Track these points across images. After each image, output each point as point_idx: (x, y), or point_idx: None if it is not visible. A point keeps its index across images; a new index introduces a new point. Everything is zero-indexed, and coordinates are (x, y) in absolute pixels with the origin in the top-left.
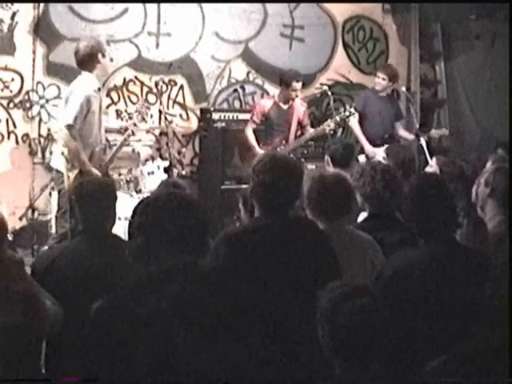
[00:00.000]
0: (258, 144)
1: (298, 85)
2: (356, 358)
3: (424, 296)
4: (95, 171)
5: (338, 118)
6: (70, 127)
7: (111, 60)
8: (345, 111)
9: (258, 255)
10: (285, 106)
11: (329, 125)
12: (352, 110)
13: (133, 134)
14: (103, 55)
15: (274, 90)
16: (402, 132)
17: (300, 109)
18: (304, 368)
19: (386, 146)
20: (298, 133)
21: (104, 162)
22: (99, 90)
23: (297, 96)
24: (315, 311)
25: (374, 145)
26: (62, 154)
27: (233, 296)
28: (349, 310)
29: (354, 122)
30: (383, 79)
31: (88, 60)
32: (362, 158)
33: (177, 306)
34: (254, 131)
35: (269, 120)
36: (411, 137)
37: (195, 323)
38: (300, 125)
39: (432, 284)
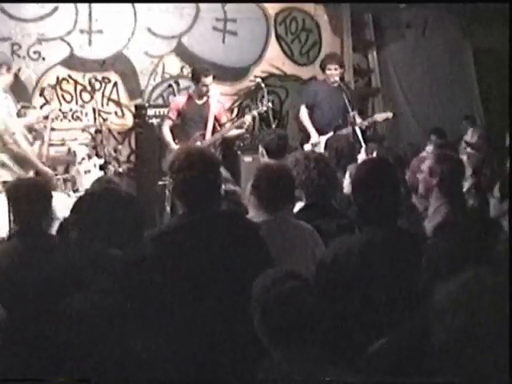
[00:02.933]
0: (175, 140)
1: (207, 80)
2: (289, 341)
3: (364, 280)
4: (47, 169)
5: (254, 113)
6: (13, 134)
7: (43, 59)
8: (262, 106)
9: (183, 253)
10: (199, 102)
11: (245, 119)
12: (269, 104)
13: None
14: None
15: None
16: (358, 119)
17: (217, 105)
18: (242, 360)
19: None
20: (218, 129)
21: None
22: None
23: (208, 91)
24: (245, 303)
25: (324, 133)
26: (3, 165)
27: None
28: (278, 293)
29: (303, 112)
30: (335, 69)
31: None
32: (307, 147)
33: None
34: (172, 128)
35: (184, 116)
36: (365, 123)
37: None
38: (218, 122)
39: (371, 268)
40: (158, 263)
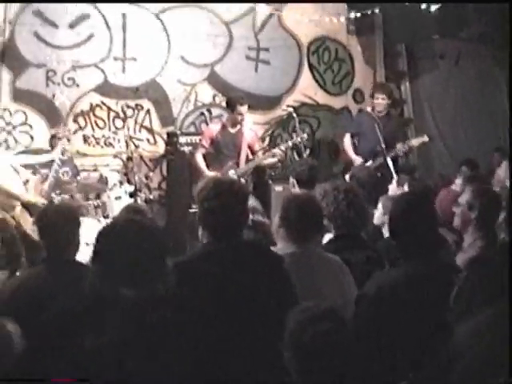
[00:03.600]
0: (208, 168)
1: (242, 108)
2: (320, 380)
3: (408, 313)
4: (37, 199)
5: (289, 143)
6: None
7: (77, 86)
8: (297, 136)
9: (206, 282)
10: (233, 130)
11: (279, 149)
12: (305, 135)
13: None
14: None
15: None
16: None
17: (249, 133)
18: None
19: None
20: (251, 157)
21: (44, 191)
22: None
23: (242, 120)
24: (267, 335)
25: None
26: None
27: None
28: (314, 333)
29: (346, 141)
30: (383, 99)
31: None
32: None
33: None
34: (205, 156)
35: (217, 144)
36: (402, 148)
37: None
38: (251, 150)
39: (415, 301)
40: (180, 290)
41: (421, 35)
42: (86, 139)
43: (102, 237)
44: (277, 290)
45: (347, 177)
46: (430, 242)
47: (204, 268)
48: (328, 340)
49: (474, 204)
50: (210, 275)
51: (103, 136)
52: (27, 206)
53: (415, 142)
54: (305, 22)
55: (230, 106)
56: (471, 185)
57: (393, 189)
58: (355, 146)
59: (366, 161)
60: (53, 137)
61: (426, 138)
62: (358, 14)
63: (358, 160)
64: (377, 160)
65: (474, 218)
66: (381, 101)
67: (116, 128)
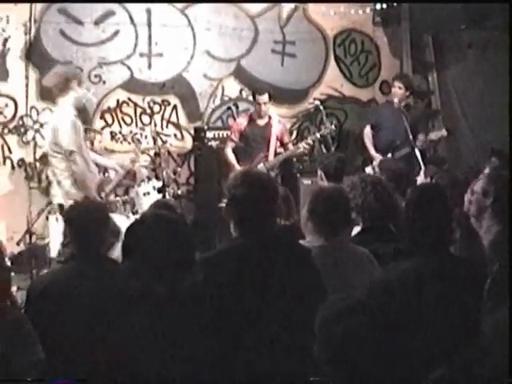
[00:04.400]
0: (238, 162)
1: (262, 98)
2: (350, 372)
3: (416, 307)
4: (97, 199)
5: (317, 135)
6: (71, 153)
7: (104, 82)
8: (325, 128)
9: (234, 276)
10: (261, 123)
11: (308, 142)
12: (332, 126)
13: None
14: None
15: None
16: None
17: (277, 126)
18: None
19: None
20: (280, 150)
21: (104, 193)
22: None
23: (265, 110)
24: (298, 329)
25: (386, 155)
26: (59, 183)
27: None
28: (343, 327)
29: (366, 134)
30: (399, 88)
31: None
32: (368, 170)
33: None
34: (234, 150)
35: (246, 138)
36: (420, 142)
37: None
38: (281, 143)
39: (422, 295)
40: (209, 286)
41: (448, 25)
42: (113, 136)
43: (132, 233)
44: (306, 283)
45: (369, 170)
46: (442, 236)
47: (232, 262)
48: (358, 333)
49: (489, 190)
50: (238, 270)
51: (130, 132)
52: None
53: (434, 135)
54: (330, 15)
55: (253, 97)
56: (485, 173)
57: (421, 180)
58: (374, 138)
59: (385, 153)
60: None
61: (444, 132)
62: (384, 5)
63: (376, 156)
64: (401, 151)
65: (489, 204)
66: (398, 90)
67: (143, 124)
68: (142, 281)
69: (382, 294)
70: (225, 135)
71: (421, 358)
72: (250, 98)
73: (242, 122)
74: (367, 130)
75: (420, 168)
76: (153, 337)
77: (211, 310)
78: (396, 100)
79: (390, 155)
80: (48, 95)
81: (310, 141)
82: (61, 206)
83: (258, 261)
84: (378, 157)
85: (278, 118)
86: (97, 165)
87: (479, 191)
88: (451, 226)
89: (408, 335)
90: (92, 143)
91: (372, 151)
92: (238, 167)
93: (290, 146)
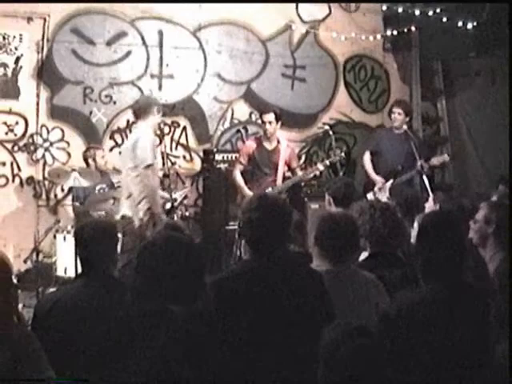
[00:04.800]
0: (246, 185)
1: (267, 116)
2: None
3: (428, 335)
4: (163, 212)
5: (327, 162)
6: (149, 166)
7: (114, 103)
8: (334, 155)
9: (244, 299)
10: (269, 147)
11: (318, 168)
12: (342, 154)
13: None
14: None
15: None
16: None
17: (286, 151)
18: None
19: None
20: (288, 174)
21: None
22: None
23: (271, 131)
24: (306, 352)
25: (388, 179)
26: (129, 197)
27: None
28: (347, 348)
29: (366, 159)
30: (399, 114)
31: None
32: (370, 196)
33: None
34: (242, 173)
35: (254, 161)
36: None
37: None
38: (289, 167)
39: (436, 324)
40: (219, 308)
41: (457, 53)
42: None
43: (142, 253)
44: (316, 306)
45: (370, 196)
46: (454, 264)
47: (244, 285)
48: (362, 354)
49: (491, 218)
50: (250, 292)
51: None
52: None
53: (436, 160)
54: (341, 40)
55: (260, 117)
56: (487, 201)
57: (430, 206)
58: (374, 163)
59: (386, 178)
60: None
61: (446, 158)
62: (395, 32)
63: (378, 180)
64: (403, 176)
65: (492, 232)
66: (397, 116)
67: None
68: (157, 301)
69: (392, 322)
70: (233, 158)
71: None
72: (260, 121)
73: (251, 145)
74: (366, 156)
75: (428, 194)
76: (170, 357)
77: (223, 332)
78: (396, 125)
79: (391, 181)
80: (59, 114)
81: (320, 166)
82: (123, 217)
83: (270, 284)
84: (380, 180)
85: (286, 143)
86: None
87: (481, 219)
88: (463, 253)
89: (416, 362)
90: (94, 160)
91: (373, 176)
92: (247, 190)
93: (298, 171)
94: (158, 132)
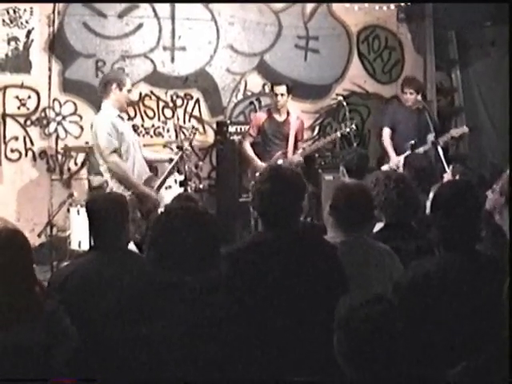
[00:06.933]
0: (257, 157)
1: (279, 88)
2: (369, 365)
3: (442, 305)
4: (149, 191)
5: (338, 134)
6: (108, 154)
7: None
8: (346, 127)
9: (258, 270)
10: (280, 119)
11: (328, 140)
12: (353, 126)
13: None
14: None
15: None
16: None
17: (295, 122)
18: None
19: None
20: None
21: (153, 189)
22: (121, 118)
23: (283, 103)
24: (320, 324)
25: (403, 153)
26: (107, 184)
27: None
28: (365, 316)
29: (385, 137)
30: (411, 93)
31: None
32: (385, 168)
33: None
34: (253, 145)
35: (264, 133)
36: (442, 139)
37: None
38: (296, 138)
39: (450, 293)
40: (233, 280)
41: (472, 22)
42: (135, 129)
43: (156, 224)
44: (330, 279)
45: (385, 168)
46: (470, 234)
47: (257, 256)
48: (378, 322)
49: (505, 188)
50: (263, 264)
51: (153, 126)
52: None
53: (455, 132)
54: (354, 10)
55: (271, 89)
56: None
57: (448, 178)
58: (392, 139)
59: (404, 152)
60: None
61: (466, 129)
62: (409, 1)
63: (396, 161)
64: (420, 148)
65: (504, 201)
66: (409, 96)
67: (165, 118)
68: (172, 272)
69: (407, 292)
70: (247, 130)
71: (443, 354)
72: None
73: (261, 116)
74: (386, 133)
75: (443, 166)
76: (186, 327)
77: (235, 304)
78: (409, 105)
79: (407, 152)
80: (71, 87)
81: (332, 138)
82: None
83: (284, 255)
84: (397, 161)
85: (296, 115)
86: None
87: (497, 191)
88: (480, 223)
89: (431, 331)
90: None
91: (392, 153)
92: (257, 161)
93: (306, 145)
94: (171, 104)
